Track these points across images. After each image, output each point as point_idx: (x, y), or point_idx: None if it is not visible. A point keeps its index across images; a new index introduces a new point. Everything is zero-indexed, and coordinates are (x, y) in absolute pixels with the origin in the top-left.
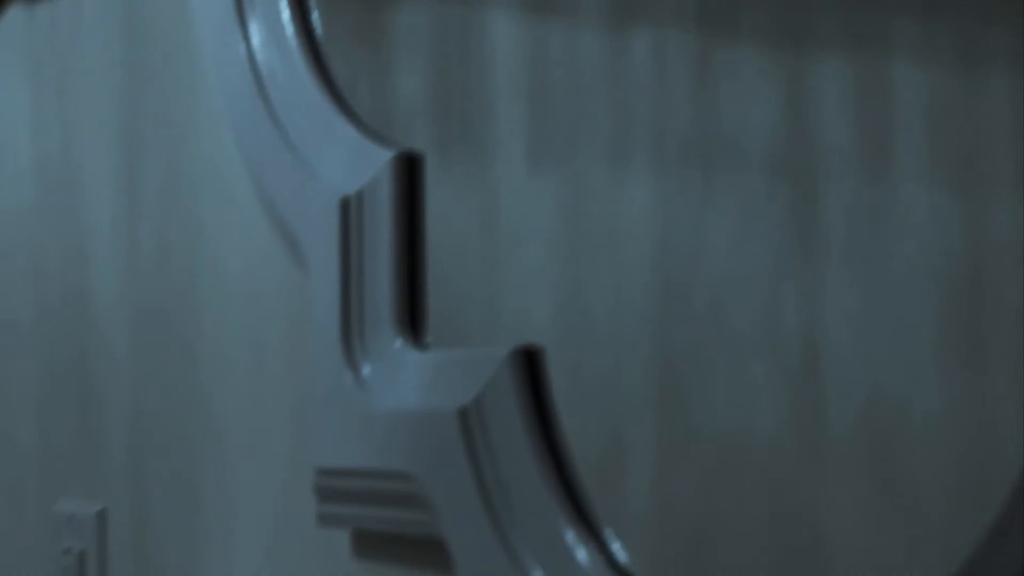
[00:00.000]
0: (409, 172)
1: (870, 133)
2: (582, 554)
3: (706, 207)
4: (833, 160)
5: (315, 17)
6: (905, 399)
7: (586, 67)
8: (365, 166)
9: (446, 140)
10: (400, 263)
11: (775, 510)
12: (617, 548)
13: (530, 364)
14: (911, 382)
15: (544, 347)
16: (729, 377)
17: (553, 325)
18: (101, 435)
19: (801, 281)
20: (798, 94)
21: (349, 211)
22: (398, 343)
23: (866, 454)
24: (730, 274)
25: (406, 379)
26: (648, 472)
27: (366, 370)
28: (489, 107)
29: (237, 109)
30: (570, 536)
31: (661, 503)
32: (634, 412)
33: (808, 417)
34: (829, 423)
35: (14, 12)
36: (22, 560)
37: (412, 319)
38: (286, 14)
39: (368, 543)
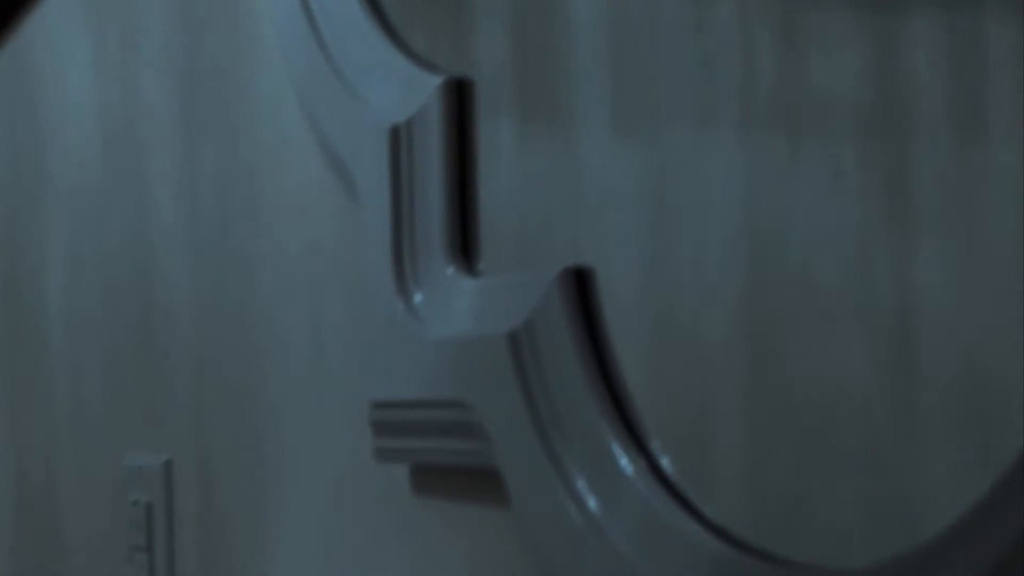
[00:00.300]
0: (458, 98)
1: (963, 93)
2: (631, 470)
3: (794, 169)
4: (924, 121)
5: None
6: (999, 362)
7: (670, 28)
8: (414, 94)
9: (528, 107)
10: (451, 190)
11: (866, 471)
12: (667, 464)
13: (580, 284)
14: (1005, 344)
15: (593, 268)
16: (820, 342)
17: (640, 292)
18: (166, 387)
19: (893, 243)
20: (888, 53)
21: (399, 139)
22: (450, 270)
23: (960, 416)
24: (819, 238)
25: (458, 306)
26: (737, 439)
27: (417, 298)
28: (571, 72)
29: (287, 39)
30: (620, 453)
31: (751, 468)
32: (722, 379)
33: (900, 381)
34: (922, 387)
35: None
36: (92, 513)
37: (464, 246)
38: None
39: (426, 479)
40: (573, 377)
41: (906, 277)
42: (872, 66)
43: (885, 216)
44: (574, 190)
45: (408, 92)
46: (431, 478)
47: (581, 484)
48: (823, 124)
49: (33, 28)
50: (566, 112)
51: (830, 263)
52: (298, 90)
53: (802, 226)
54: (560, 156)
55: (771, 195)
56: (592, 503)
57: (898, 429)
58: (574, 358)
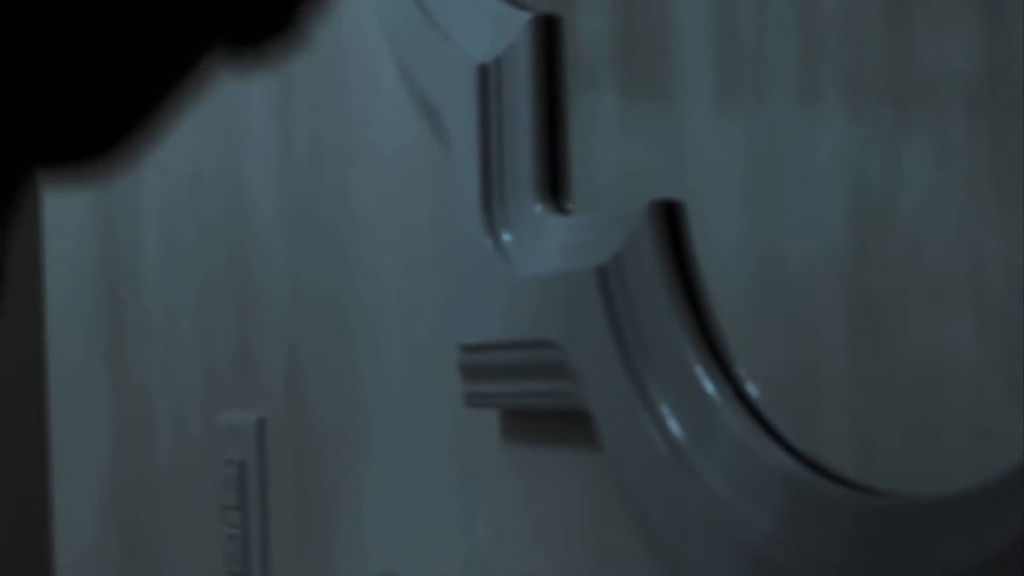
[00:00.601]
0: (547, 35)
1: None
2: (718, 397)
3: (902, 144)
4: None
5: None
6: None
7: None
8: (503, 32)
9: (631, 81)
10: (539, 128)
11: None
12: (755, 392)
13: (670, 218)
14: None
15: (684, 202)
16: (927, 320)
17: (744, 267)
18: (258, 345)
19: (999, 216)
20: (997, 25)
21: (488, 77)
22: (538, 208)
23: None
24: (928, 214)
25: (547, 244)
26: (844, 415)
27: (506, 237)
28: (675, 45)
29: None
30: (706, 380)
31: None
32: (828, 355)
33: (1009, 360)
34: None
35: None
36: (187, 471)
37: (553, 184)
38: None
39: (516, 425)
40: (662, 309)
41: (1013, 249)
42: (981, 38)
43: (996, 190)
44: (673, 146)
45: (497, 30)
46: (521, 424)
47: (668, 414)
48: (931, 96)
49: None
50: (669, 88)
51: (937, 234)
52: (387, 33)
53: (909, 197)
54: (664, 134)
55: (878, 168)
56: (679, 432)
57: (998, 377)
58: (663, 291)
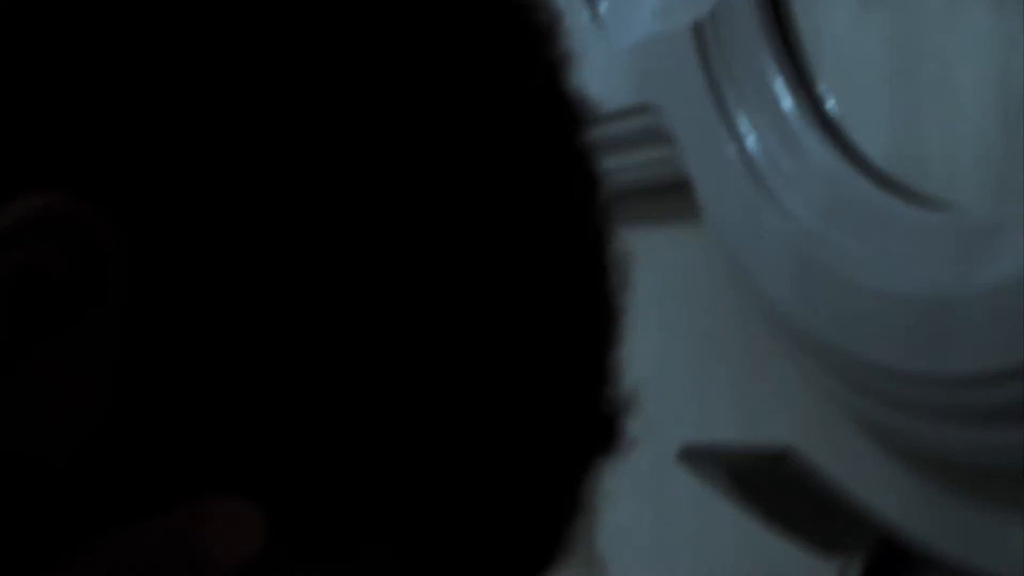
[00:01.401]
0: None
1: None
2: (813, 139)
3: None
4: None
5: None
6: None
7: None
8: None
9: None
10: None
11: None
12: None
13: None
14: None
15: None
16: None
17: (887, 162)
18: None
19: None
20: None
21: None
22: None
23: None
24: None
25: (642, 11)
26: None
27: (602, 7)
28: None
29: None
30: (796, 116)
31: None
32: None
33: None
34: None
35: None
36: None
37: None
38: None
39: (616, 207)
40: (758, 58)
41: None
42: None
43: None
44: (819, 65)
45: None
46: (622, 206)
47: (761, 157)
48: None
49: None
50: None
51: None
52: None
53: None
54: (805, 27)
55: (1022, 63)
56: (770, 170)
57: None
58: (759, 40)
